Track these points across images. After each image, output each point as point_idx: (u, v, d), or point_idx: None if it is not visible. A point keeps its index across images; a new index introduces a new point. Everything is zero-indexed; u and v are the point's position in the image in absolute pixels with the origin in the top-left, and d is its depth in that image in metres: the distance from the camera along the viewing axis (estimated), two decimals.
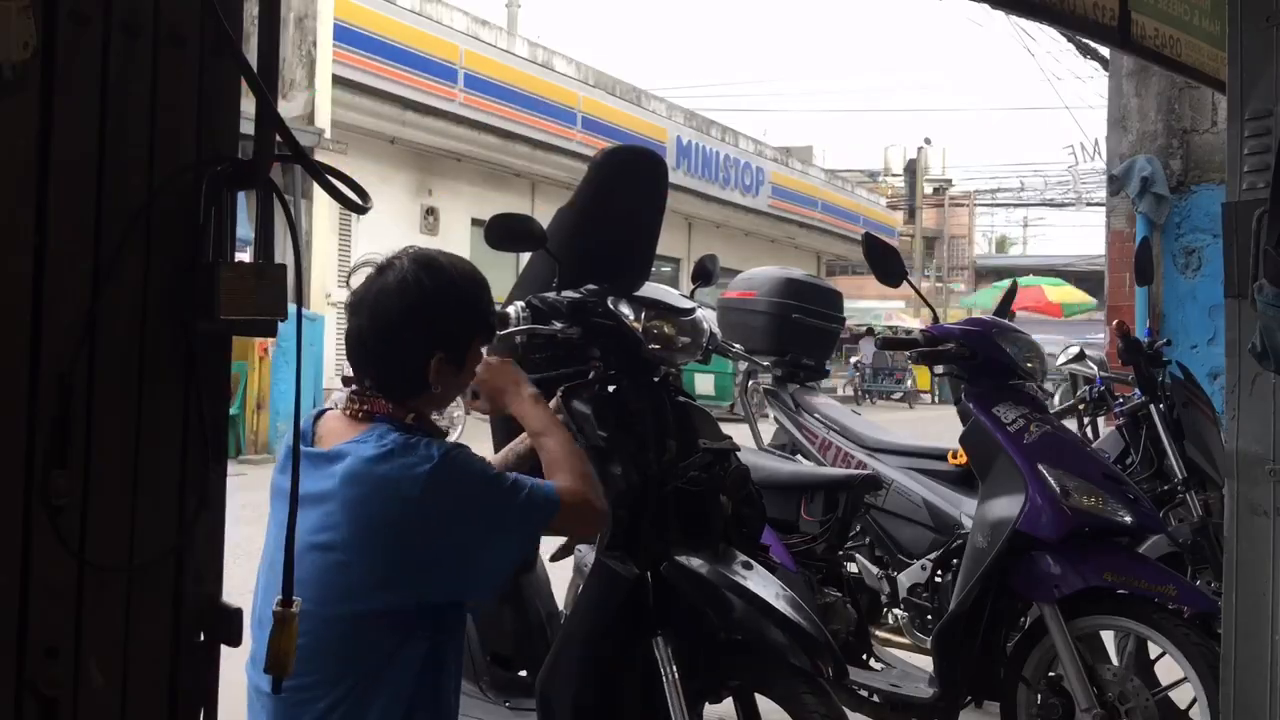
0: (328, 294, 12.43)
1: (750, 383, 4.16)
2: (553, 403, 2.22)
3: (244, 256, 1.40)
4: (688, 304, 2.55)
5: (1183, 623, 2.60)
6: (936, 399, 23.72)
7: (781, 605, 2.11)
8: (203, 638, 1.37)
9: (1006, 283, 4.83)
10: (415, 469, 1.69)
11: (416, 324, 1.81)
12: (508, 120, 15.17)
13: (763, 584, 2.15)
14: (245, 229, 1.44)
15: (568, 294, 2.32)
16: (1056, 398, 6.48)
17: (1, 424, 1.18)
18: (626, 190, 2.49)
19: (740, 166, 20.88)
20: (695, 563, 2.14)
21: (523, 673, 2.75)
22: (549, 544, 2.99)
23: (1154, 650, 3.11)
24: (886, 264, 3.02)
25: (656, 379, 2.33)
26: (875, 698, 3.06)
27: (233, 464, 5.88)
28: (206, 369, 1.36)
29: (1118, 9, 3.84)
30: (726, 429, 2.50)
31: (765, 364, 3.82)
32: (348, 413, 1.83)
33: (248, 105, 1.39)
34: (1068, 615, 2.64)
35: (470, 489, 1.75)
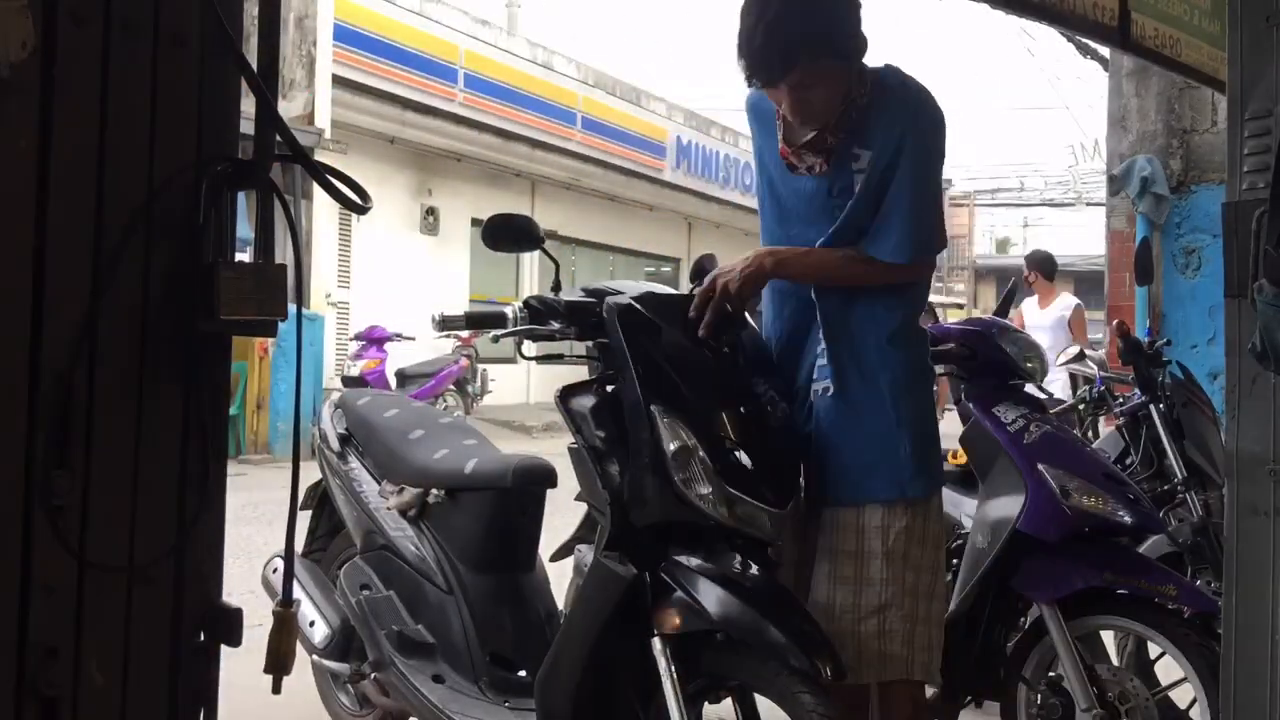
0: (327, 294, 12.43)
1: None
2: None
3: (244, 257, 1.40)
4: None
5: (1183, 623, 2.60)
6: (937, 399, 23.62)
7: (780, 605, 2.11)
8: (203, 638, 1.37)
9: None
10: None
11: None
12: (508, 120, 15.16)
13: (761, 583, 2.15)
14: (245, 229, 1.44)
15: (565, 295, 2.33)
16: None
17: (1, 424, 1.18)
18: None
19: (740, 166, 20.86)
20: (693, 562, 2.14)
21: (523, 673, 2.75)
22: (549, 544, 3.00)
23: (1154, 650, 3.11)
24: None
25: None
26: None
27: (233, 464, 5.88)
28: (206, 369, 1.36)
29: (1118, 9, 3.84)
30: None
31: None
32: None
33: (248, 105, 1.39)
34: (1068, 615, 2.64)
35: None
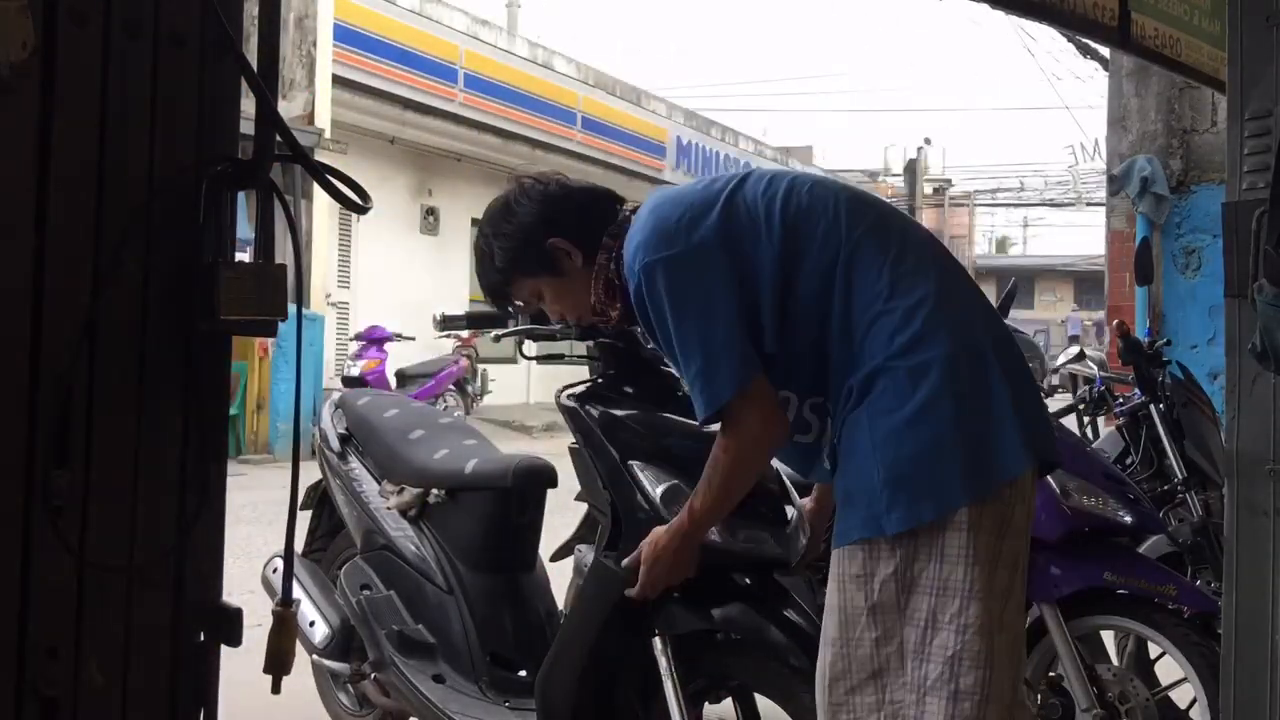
0: (328, 294, 12.43)
1: None
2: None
3: (244, 257, 1.40)
4: None
5: (1183, 623, 2.60)
6: None
7: (779, 605, 2.11)
8: (203, 638, 1.37)
9: None
10: None
11: None
12: (508, 120, 15.15)
13: (761, 583, 2.15)
14: (245, 229, 1.44)
15: None
16: None
17: (1, 424, 1.18)
18: None
19: (740, 166, 20.87)
20: None
21: (523, 673, 2.75)
22: (549, 544, 3.00)
23: (1154, 650, 3.11)
24: None
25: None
26: None
27: (233, 464, 5.89)
28: (206, 369, 1.36)
29: (1118, 9, 3.84)
30: None
31: None
32: None
33: (248, 105, 1.39)
34: (1068, 615, 2.64)
35: None
